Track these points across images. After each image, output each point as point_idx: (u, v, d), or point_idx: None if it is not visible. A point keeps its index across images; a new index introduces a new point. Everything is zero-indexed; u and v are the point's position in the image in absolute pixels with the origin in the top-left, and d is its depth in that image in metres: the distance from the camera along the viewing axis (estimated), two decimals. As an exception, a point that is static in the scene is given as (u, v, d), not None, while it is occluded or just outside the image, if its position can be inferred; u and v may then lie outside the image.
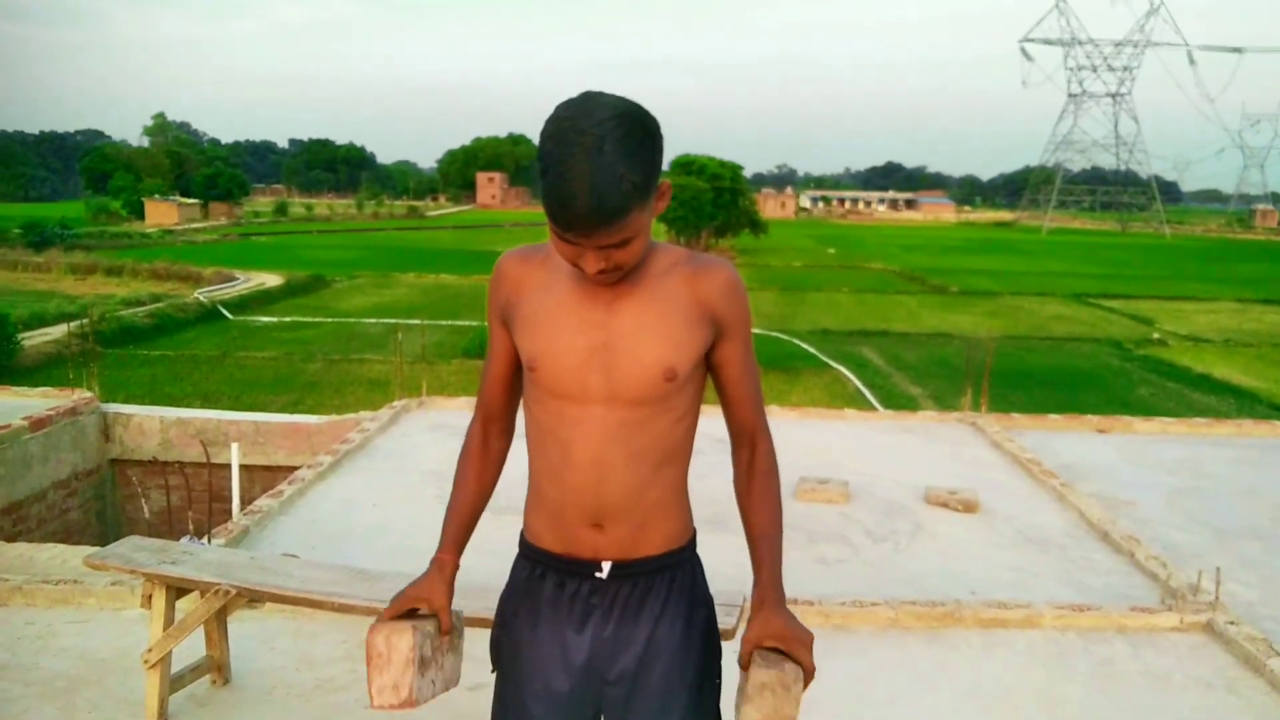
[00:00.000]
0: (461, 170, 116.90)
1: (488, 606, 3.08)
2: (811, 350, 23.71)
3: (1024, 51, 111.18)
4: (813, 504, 5.95)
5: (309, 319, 27.07)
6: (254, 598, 3.33)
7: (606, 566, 1.72)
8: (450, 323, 24.95)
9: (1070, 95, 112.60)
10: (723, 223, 52.40)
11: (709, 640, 1.81)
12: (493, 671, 1.86)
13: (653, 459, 1.71)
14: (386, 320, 25.75)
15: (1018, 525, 5.71)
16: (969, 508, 5.93)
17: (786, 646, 1.62)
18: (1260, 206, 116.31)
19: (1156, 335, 28.54)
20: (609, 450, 1.68)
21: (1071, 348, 26.05)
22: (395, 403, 7.89)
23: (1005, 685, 3.86)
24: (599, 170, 1.46)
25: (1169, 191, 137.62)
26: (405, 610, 1.72)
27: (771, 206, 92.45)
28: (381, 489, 6.03)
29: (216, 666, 3.57)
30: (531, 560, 1.79)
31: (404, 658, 1.61)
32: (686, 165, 51.99)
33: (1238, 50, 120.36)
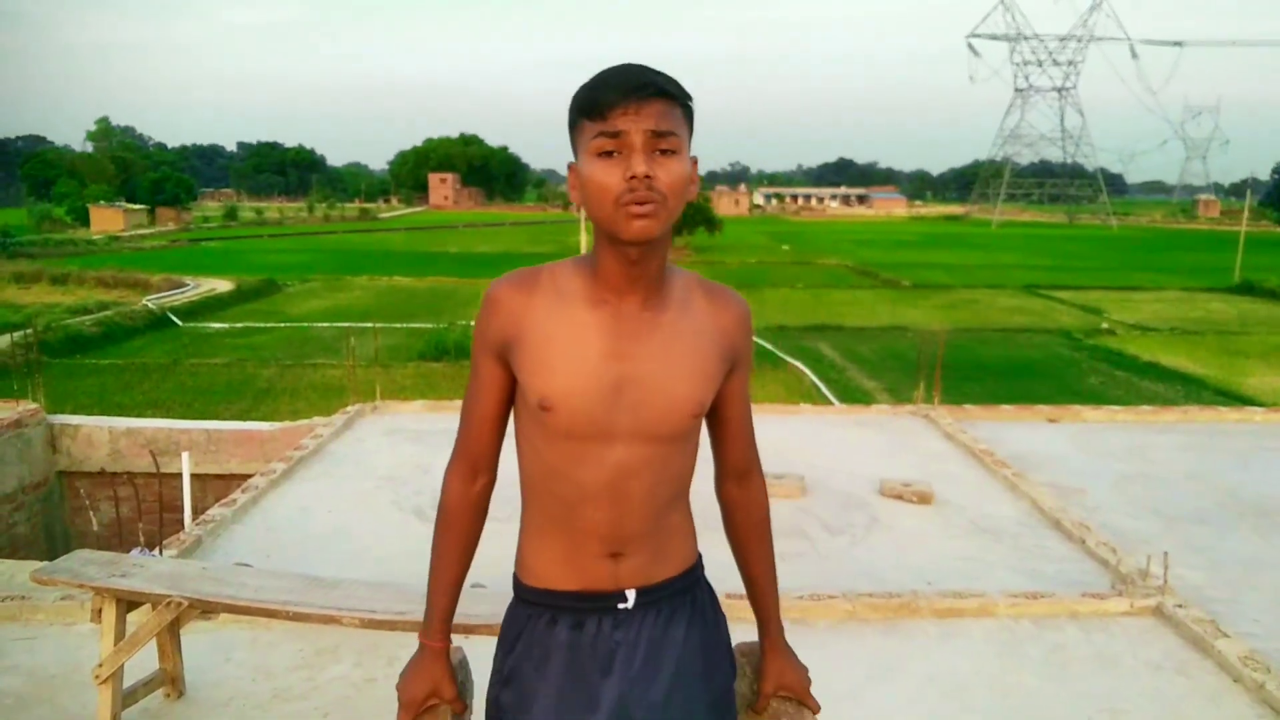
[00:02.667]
0: (413, 171, 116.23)
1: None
2: (768, 346, 23.79)
3: (971, 47, 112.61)
4: (770, 499, 5.97)
5: (261, 324, 26.69)
6: (206, 609, 3.28)
7: (631, 595, 1.62)
8: (405, 325, 24.73)
9: (1017, 90, 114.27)
10: (677, 220, 52.46)
11: (730, 656, 1.77)
12: None
13: (670, 491, 1.64)
14: (340, 324, 25.47)
15: (971, 515, 5.79)
16: (924, 499, 6.00)
17: (800, 697, 1.80)
18: (1203, 197, 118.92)
19: (1105, 325, 29.02)
20: (630, 487, 1.58)
21: (1023, 338, 26.41)
22: (349, 408, 7.82)
23: (961, 674, 3.92)
24: (639, 67, 1.48)
25: (1114, 183, 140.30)
26: (422, 710, 1.70)
27: (725, 204, 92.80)
28: (337, 495, 5.97)
29: (170, 679, 3.52)
30: (538, 606, 1.63)
31: None
32: (641, 164, 51.99)
33: (1178, 44, 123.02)
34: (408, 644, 4.01)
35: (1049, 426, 8.10)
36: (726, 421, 1.72)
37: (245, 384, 18.55)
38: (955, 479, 6.46)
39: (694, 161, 1.53)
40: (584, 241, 36.75)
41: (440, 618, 1.72)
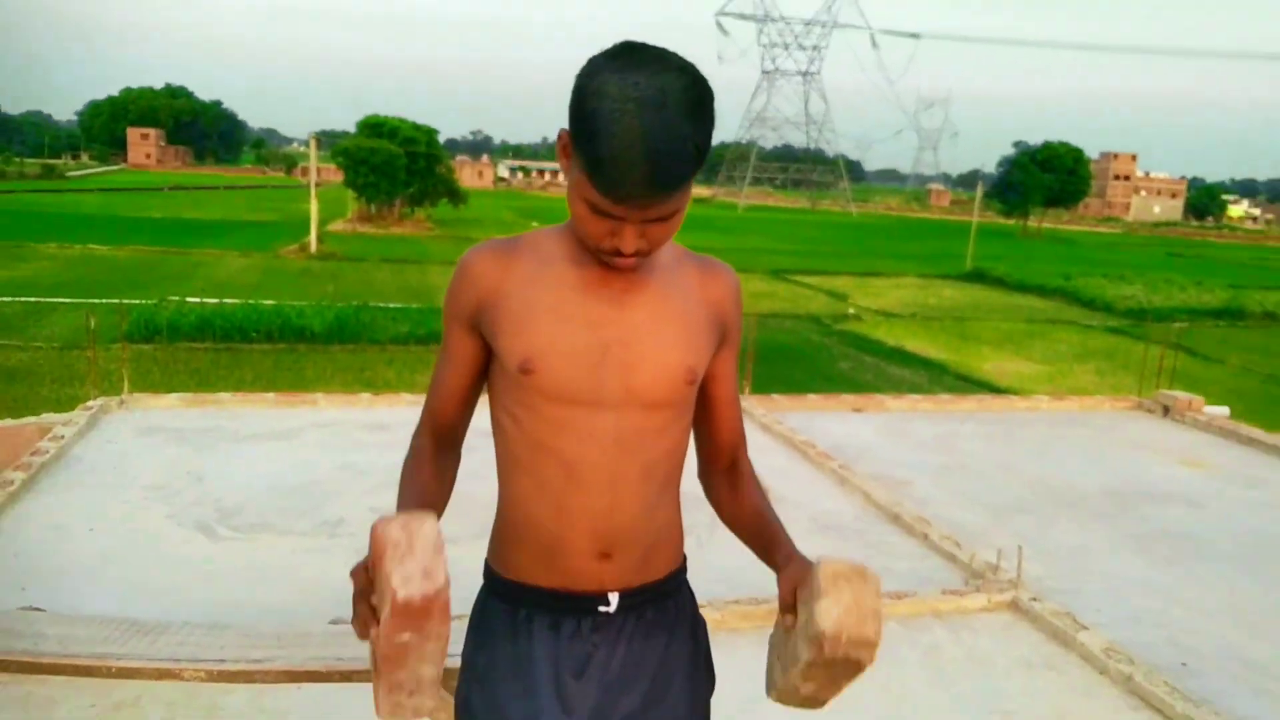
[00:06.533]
0: (108, 125, 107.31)
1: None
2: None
3: (720, 25, 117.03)
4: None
5: (-77, 297, 23.63)
6: (-4, 668, 2.74)
7: (614, 598, 1.58)
8: (104, 301, 22.61)
9: (764, 72, 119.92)
10: (418, 191, 51.24)
11: (709, 662, 1.76)
12: None
13: (664, 474, 1.60)
14: (24, 299, 23.00)
15: (809, 512, 5.89)
16: (757, 496, 6.04)
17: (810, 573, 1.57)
18: (934, 186, 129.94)
19: (852, 310, 30.92)
20: (624, 464, 1.53)
21: (775, 323, 27.68)
22: (91, 403, 6.96)
23: (846, 683, 3.93)
24: (661, 129, 1.30)
25: (853, 170, 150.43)
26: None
27: (468, 175, 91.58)
28: (96, 510, 5.26)
29: (-70, 758, 2.93)
30: (511, 601, 1.60)
31: (430, 543, 1.27)
32: (376, 127, 50.28)
33: (915, 35, 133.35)
34: (234, 692, 3.58)
35: (855, 416, 8.45)
36: (715, 402, 1.68)
37: (-99, 367, 16.31)
38: (783, 473, 6.56)
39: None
40: (314, 210, 34.88)
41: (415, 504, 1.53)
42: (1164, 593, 5.08)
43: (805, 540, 5.43)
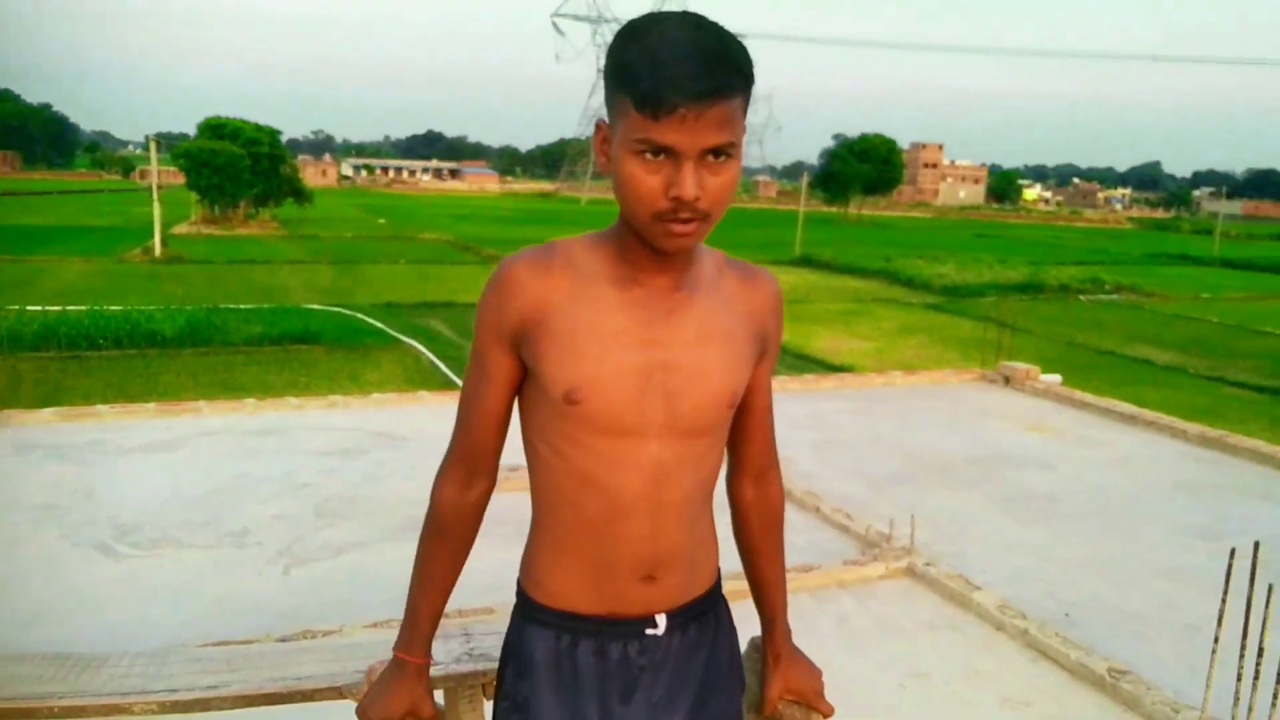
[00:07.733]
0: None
1: (331, 673, 2.52)
2: (379, 325, 22.94)
3: (555, 26, 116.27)
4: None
5: None
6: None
7: (661, 620, 1.50)
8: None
9: (599, 70, 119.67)
10: (263, 191, 49.39)
11: (740, 668, 1.70)
12: None
13: (704, 494, 1.52)
14: None
15: (706, 493, 5.90)
16: (654, 481, 6.03)
17: (810, 701, 1.72)
18: (761, 178, 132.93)
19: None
20: (666, 492, 1.45)
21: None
22: (-45, 422, 6.38)
23: (770, 658, 3.96)
24: (707, 34, 1.26)
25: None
26: None
27: (312, 174, 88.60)
28: (-20, 535, 4.82)
29: None
30: (554, 628, 1.50)
31: None
32: (217, 128, 48.20)
33: (743, 36, 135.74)
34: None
35: (730, 399, 8.52)
36: (750, 413, 1.60)
37: None
38: (674, 458, 6.56)
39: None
40: (157, 213, 33.06)
41: (423, 634, 1.57)
42: (1037, 550, 5.31)
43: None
